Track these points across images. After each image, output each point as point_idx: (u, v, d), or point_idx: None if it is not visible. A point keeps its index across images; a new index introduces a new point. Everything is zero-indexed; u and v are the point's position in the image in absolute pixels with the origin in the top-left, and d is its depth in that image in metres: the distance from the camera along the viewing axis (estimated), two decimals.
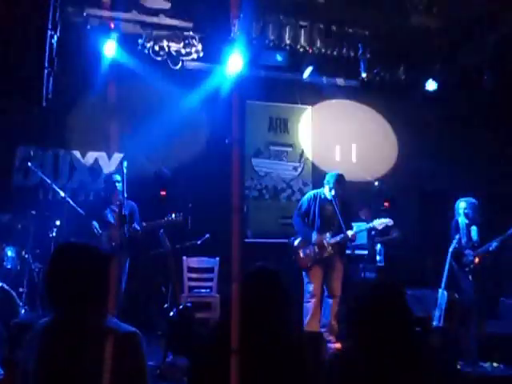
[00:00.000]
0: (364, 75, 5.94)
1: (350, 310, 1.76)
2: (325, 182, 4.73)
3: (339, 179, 4.64)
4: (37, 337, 1.52)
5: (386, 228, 4.91)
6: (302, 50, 5.56)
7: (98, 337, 1.45)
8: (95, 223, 4.57)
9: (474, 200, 4.78)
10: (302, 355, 1.72)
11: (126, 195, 4.22)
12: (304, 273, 4.62)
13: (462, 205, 4.78)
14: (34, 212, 4.74)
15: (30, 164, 5.03)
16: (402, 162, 6.37)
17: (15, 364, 2.74)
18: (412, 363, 1.58)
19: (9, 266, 4.41)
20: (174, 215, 4.56)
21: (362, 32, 5.68)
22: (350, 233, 4.51)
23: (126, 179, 4.23)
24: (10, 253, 4.43)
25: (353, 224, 4.85)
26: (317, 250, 4.55)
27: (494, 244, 4.59)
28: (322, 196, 4.72)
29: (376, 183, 6.17)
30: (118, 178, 4.63)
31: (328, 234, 4.55)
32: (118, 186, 4.55)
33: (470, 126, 6.00)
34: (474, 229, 4.70)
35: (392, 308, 1.65)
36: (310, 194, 4.88)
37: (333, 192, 4.56)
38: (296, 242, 4.70)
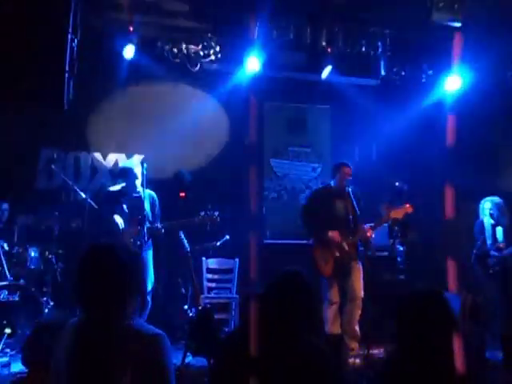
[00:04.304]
0: (384, 74, 5.86)
1: (398, 319, 1.72)
2: (332, 173, 4.58)
3: (342, 167, 4.45)
4: (66, 336, 1.54)
5: (405, 229, 4.76)
6: (320, 49, 5.52)
7: (123, 338, 1.46)
8: (116, 219, 4.36)
9: (499, 199, 4.65)
10: (326, 361, 1.69)
11: (144, 196, 4.26)
12: (322, 279, 4.38)
13: (487, 205, 4.66)
14: (56, 213, 4.83)
15: (53, 166, 5.12)
16: (423, 162, 6.24)
17: (38, 363, 2.79)
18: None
19: (32, 267, 4.50)
20: (204, 213, 4.31)
21: (382, 31, 5.61)
22: (366, 230, 4.26)
23: (146, 181, 4.26)
24: (33, 253, 4.52)
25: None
26: (335, 252, 4.31)
27: None
28: (331, 188, 4.52)
29: (397, 184, 6.07)
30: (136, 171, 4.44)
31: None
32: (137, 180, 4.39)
33: (494, 124, 5.85)
34: (499, 229, 4.59)
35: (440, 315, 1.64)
36: (319, 188, 4.70)
37: (341, 182, 4.36)
38: (313, 247, 4.45)
